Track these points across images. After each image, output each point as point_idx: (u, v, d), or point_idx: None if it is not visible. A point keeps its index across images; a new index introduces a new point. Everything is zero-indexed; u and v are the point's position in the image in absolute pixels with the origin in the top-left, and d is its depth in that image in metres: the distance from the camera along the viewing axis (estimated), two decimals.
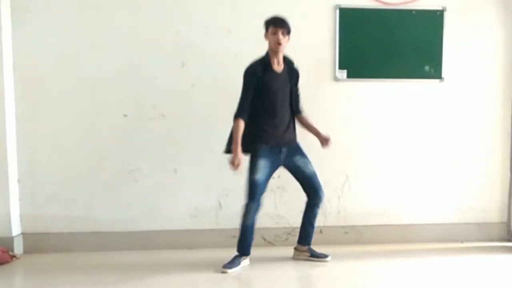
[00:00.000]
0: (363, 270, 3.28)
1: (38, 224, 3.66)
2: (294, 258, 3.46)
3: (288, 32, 3.19)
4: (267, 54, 3.24)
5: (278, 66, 3.26)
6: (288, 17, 3.21)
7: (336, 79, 3.79)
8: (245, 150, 3.19)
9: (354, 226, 3.86)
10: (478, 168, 3.92)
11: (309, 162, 3.32)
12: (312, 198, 3.35)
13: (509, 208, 3.93)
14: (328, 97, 3.74)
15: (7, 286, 3.09)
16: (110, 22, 3.63)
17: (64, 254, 3.60)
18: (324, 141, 3.35)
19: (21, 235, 3.66)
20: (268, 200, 3.46)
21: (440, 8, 3.80)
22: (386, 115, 3.85)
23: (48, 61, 3.62)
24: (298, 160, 3.30)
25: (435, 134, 3.89)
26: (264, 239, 3.74)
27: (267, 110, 3.22)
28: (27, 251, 3.65)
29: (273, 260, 3.44)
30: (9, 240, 3.55)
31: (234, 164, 3.14)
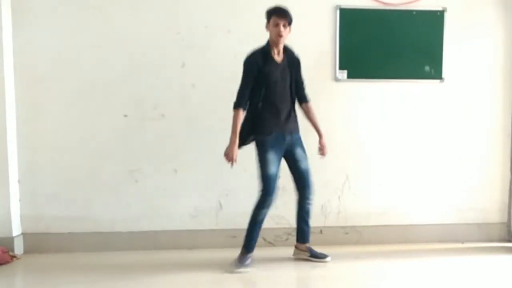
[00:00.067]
0: (363, 270, 3.28)
1: (38, 224, 3.66)
2: (294, 256, 3.47)
3: (290, 23, 3.19)
4: (268, 44, 3.23)
5: (278, 56, 3.25)
6: None
7: (336, 79, 3.79)
8: (247, 143, 3.22)
9: (354, 226, 3.86)
10: (478, 168, 3.92)
11: (306, 157, 3.34)
12: (302, 193, 3.35)
13: (509, 209, 3.93)
14: (328, 97, 3.74)
15: (7, 286, 3.10)
16: (110, 22, 3.64)
17: (64, 254, 3.61)
18: (321, 147, 3.39)
19: (22, 235, 3.66)
20: None
21: (440, 8, 3.81)
22: (386, 115, 3.85)
23: (48, 61, 3.62)
24: (298, 152, 3.31)
25: (435, 134, 3.89)
26: (265, 239, 3.74)
27: (268, 100, 3.21)
28: (27, 251, 3.65)
29: (273, 260, 3.44)
30: (10, 240, 3.55)
31: (228, 156, 3.15)
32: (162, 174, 3.72)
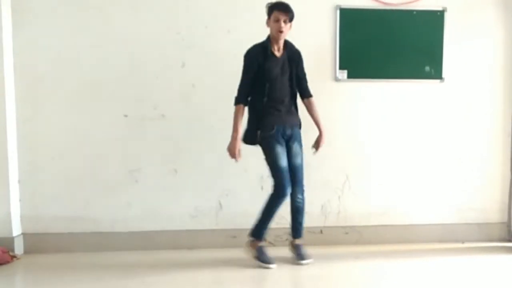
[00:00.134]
0: (363, 270, 3.28)
1: (39, 225, 3.66)
2: (290, 251, 3.45)
3: (291, 19, 3.17)
4: (268, 39, 3.22)
5: (278, 52, 3.25)
6: None
7: (336, 79, 3.79)
8: (251, 142, 3.22)
9: (354, 226, 3.86)
10: (478, 168, 3.92)
11: (302, 155, 3.33)
12: (293, 189, 3.30)
13: (509, 208, 3.93)
14: (328, 97, 3.74)
15: (7, 286, 3.10)
16: (110, 22, 3.64)
17: (64, 254, 3.61)
18: (317, 142, 3.37)
19: (22, 236, 3.66)
20: None
21: (440, 8, 3.80)
22: (386, 115, 3.85)
23: (48, 61, 3.62)
24: (295, 148, 3.31)
25: (435, 134, 3.89)
26: (265, 239, 3.74)
27: (268, 95, 3.20)
28: (27, 251, 3.65)
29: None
30: (10, 241, 3.55)
31: (231, 152, 3.13)
32: (162, 174, 3.72)
